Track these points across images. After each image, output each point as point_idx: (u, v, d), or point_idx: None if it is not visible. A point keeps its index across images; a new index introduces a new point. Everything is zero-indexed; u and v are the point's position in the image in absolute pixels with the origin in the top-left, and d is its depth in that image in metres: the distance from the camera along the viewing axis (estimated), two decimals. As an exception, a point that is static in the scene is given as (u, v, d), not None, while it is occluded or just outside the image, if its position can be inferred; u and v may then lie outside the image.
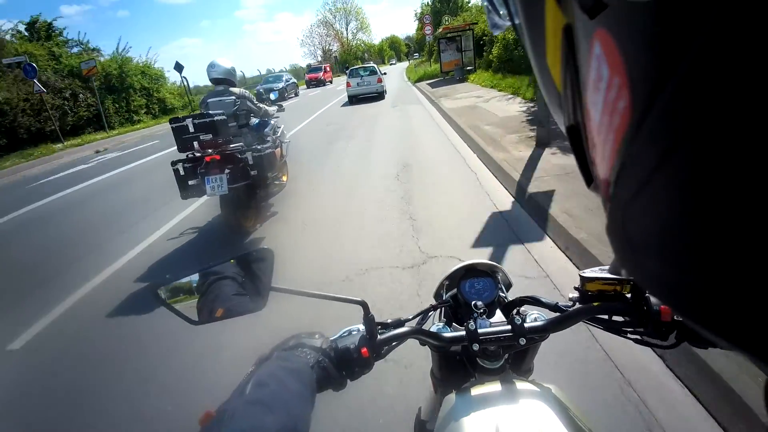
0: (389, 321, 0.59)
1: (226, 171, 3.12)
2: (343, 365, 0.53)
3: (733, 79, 0.09)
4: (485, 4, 0.27)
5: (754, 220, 0.09)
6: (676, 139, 0.11)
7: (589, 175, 0.20)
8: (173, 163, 3.14)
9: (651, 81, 0.11)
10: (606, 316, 0.56)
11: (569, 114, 0.19)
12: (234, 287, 0.58)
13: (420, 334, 0.57)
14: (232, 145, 3.18)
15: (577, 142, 0.19)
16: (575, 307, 0.57)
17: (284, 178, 4.29)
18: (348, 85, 13.61)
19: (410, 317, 0.62)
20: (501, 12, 0.24)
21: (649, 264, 0.13)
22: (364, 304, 0.54)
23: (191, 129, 2.90)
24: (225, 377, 0.48)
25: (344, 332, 0.57)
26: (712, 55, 0.09)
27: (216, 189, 3.05)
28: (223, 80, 3.44)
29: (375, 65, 14.77)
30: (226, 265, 0.60)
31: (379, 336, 0.55)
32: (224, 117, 3.05)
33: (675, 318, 0.51)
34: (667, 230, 0.12)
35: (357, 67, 14.66)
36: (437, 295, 0.77)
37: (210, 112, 3.02)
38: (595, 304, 0.56)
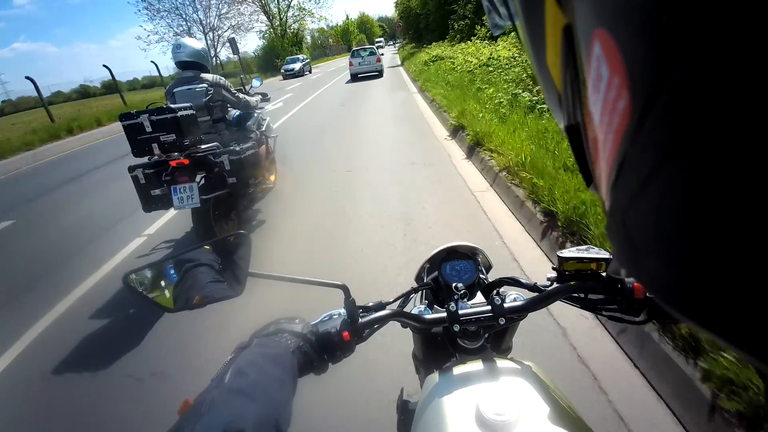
0: (370, 304, 0.59)
1: (198, 178, 2.54)
2: (324, 349, 0.53)
3: (732, 80, 0.09)
4: (485, 4, 0.27)
5: (755, 220, 0.09)
6: (676, 140, 0.11)
7: (588, 175, 0.20)
8: (131, 169, 2.55)
9: (651, 81, 0.11)
10: (582, 295, 0.57)
11: (569, 114, 0.19)
12: (211, 274, 0.57)
13: (401, 316, 0.57)
14: (204, 146, 2.59)
15: (577, 142, 0.19)
16: (553, 286, 0.58)
17: (272, 179, 3.68)
18: (351, 64, 15.63)
19: (391, 300, 0.62)
20: (501, 12, 0.24)
21: (649, 264, 0.13)
22: (344, 288, 0.54)
23: (148, 128, 2.28)
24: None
25: (325, 316, 0.57)
26: (711, 56, 0.09)
27: (185, 200, 2.48)
28: (193, 64, 2.80)
29: (374, 47, 16.42)
30: (201, 251, 0.59)
31: (360, 319, 0.55)
32: (192, 112, 2.43)
33: (647, 296, 0.53)
34: (668, 230, 0.12)
35: (358, 48, 16.57)
36: (418, 277, 0.76)
37: (174, 105, 2.39)
38: (572, 283, 0.57)
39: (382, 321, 0.56)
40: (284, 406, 0.41)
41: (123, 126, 2.30)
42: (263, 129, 3.42)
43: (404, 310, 0.60)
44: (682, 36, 0.10)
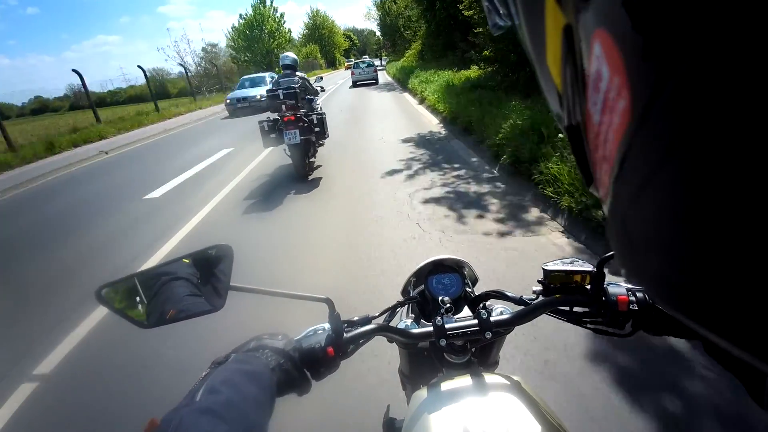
0: (356, 318, 0.60)
1: (299, 127, 4.60)
2: (307, 366, 0.53)
3: (733, 80, 0.09)
4: (485, 3, 0.27)
5: (755, 219, 0.09)
6: (677, 139, 0.11)
7: (589, 176, 0.19)
8: (260, 122, 4.60)
9: (651, 81, 0.11)
10: (567, 308, 0.58)
11: (569, 114, 0.19)
12: (189, 287, 0.56)
13: (387, 331, 0.58)
14: (301, 110, 4.66)
15: (577, 142, 0.19)
16: (538, 299, 0.59)
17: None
18: (352, 73, 20.79)
19: (377, 314, 0.62)
20: (501, 12, 0.24)
21: (649, 264, 0.13)
22: (329, 302, 0.55)
23: (281, 96, 4.38)
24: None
25: (309, 331, 0.57)
26: (711, 57, 0.09)
27: (291, 139, 4.52)
28: (291, 66, 4.90)
29: (372, 61, 22.20)
30: (179, 264, 0.58)
31: (345, 334, 0.55)
32: (298, 90, 4.53)
33: (630, 308, 0.53)
34: (668, 230, 0.12)
35: (358, 61, 22.48)
36: (405, 291, 0.78)
37: (292, 85, 4.51)
38: (557, 296, 0.58)
39: (368, 335, 0.56)
40: (258, 428, 0.39)
41: (267, 95, 4.38)
42: (319, 109, 5.51)
43: (390, 324, 0.61)
44: (683, 36, 0.10)
